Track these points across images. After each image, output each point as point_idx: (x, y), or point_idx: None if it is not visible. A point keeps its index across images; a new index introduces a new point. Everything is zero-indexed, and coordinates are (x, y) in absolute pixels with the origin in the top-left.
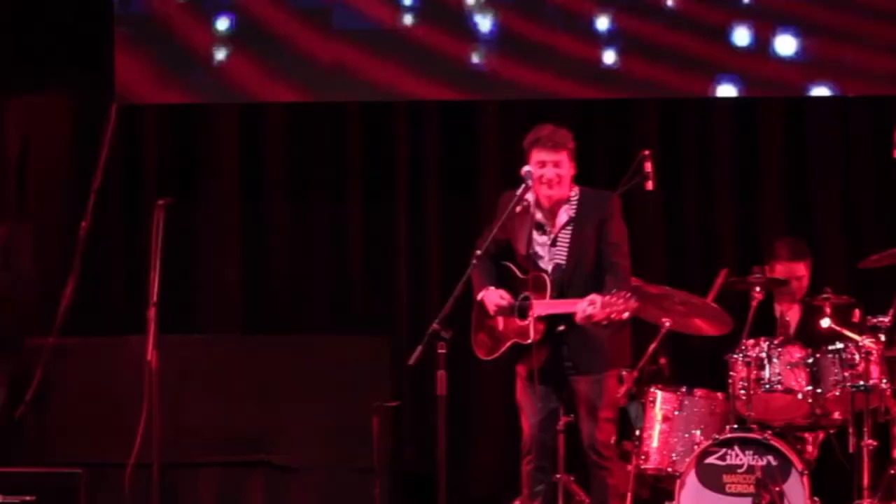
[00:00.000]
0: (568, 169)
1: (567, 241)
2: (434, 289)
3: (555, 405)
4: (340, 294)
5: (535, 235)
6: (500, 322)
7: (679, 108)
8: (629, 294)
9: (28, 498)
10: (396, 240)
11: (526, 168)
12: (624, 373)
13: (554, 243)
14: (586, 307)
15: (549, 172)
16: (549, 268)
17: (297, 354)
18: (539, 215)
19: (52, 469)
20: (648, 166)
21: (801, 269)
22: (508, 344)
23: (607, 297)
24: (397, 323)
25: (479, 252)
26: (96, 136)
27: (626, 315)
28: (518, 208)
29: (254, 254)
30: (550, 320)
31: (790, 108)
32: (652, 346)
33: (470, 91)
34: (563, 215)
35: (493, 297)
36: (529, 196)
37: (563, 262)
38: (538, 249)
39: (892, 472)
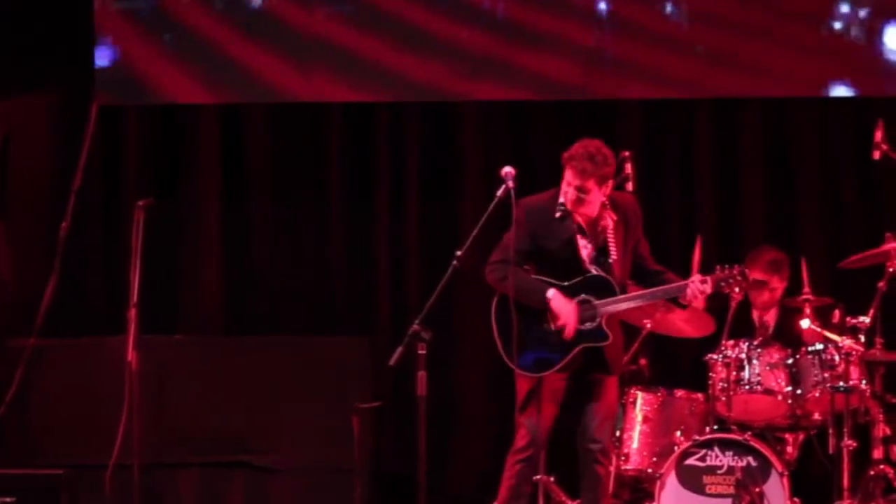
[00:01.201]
0: (595, 194)
1: (614, 242)
2: (415, 290)
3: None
4: (321, 295)
5: (579, 239)
6: (557, 327)
7: (661, 110)
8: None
9: (9, 499)
10: (377, 240)
11: (506, 168)
12: None
13: (602, 245)
14: (700, 285)
15: (571, 193)
16: (602, 269)
17: (278, 355)
18: (581, 220)
19: (33, 470)
20: (629, 168)
21: (776, 282)
22: (576, 350)
23: (717, 274)
24: (378, 324)
25: (458, 254)
26: (77, 136)
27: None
28: (557, 214)
29: (234, 255)
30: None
31: (771, 109)
32: (633, 348)
33: (452, 92)
34: (607, 220)
35: (568, 308)
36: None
37: (616, 261)
38: (584, 253)
39: (872, 472)
